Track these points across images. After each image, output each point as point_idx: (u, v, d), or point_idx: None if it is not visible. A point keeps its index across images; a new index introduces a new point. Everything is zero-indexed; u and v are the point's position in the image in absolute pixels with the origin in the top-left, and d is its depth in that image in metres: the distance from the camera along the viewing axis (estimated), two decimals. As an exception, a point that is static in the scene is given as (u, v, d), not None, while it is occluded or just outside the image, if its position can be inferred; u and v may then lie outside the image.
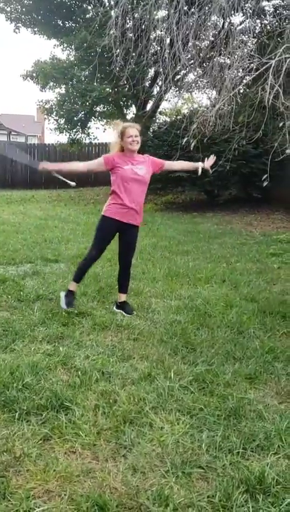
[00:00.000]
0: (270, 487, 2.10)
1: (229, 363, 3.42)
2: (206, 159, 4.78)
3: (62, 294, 4.65)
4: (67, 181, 4.71)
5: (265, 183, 5.37)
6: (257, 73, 5.94)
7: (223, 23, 9.15)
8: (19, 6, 16.28)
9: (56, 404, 2.77)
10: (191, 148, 6.60)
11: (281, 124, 5.76)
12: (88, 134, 17.79)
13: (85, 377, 3.12)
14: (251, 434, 2.51)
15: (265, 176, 5.31)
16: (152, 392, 2.94)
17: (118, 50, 8.84)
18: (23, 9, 16.32)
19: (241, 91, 7.82)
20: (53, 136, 37.02)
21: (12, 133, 29.35)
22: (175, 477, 2.18)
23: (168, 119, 15.41)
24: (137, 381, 3.11)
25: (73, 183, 4.73)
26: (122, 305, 4.63)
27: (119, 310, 4.58)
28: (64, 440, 2.47)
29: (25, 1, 15.99)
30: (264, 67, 5.42)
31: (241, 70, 7.48)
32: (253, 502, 2.02)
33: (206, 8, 7.89)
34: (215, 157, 4.84)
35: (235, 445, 2.41)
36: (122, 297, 4.68)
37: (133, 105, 16.82)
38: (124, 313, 4.52)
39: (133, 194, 4.39)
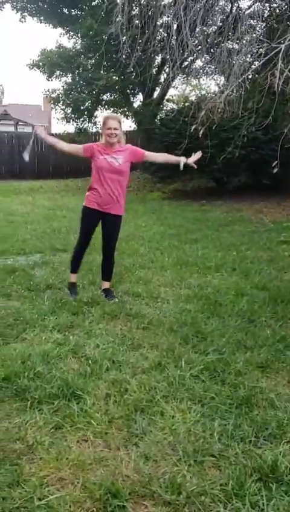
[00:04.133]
0: (283, 476, 2.08)
1: (240, 351, 3.40)
2: (193, 153, 4.56)
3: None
4: (26, 153, 4.86)
5: (275, 170, 5.30)
6: (266, 58, 5.84)
7: (231, 7, 9.01)
8: (25, -5, 16.17)
9: (67, 392, 2.78)
10: (200, 136, 6.53)
11: (291, 110, 5.68)
12: (95, 123, 17.71)
13: (95, 366, 3.13)
14: (263, 423, 2.50)
15: (275, 162, 5.24)
16: (163, 381, 2.94)
17: (125, 37, 8.72)
18: (29, -1, 16.20)
19: (250, 77, 7.69)
20: (60, 125, 36.87)
21: (20, 123, 29.22)
22: (187, 465, 2.18)
23: (175, 107, 15.26)
24: (147, 370, 3.10)
25: (26, 158, 5.12)
26: (105, 292, 4.70)
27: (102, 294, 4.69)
28: (76, 429, 2.48)
29: (31, -11, 15.88)
30: (273, 52, 5.32)
31: (249, 56, 7.37)
32: (266, 491, 2.01)
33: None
34: (201, 154, 4.58)
35: (247, 434, 2.40)
36: (106, 285, 4.76)
37: (140, 93, 16.70)
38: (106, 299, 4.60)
39: (109, 184, 4.43)
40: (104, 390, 2.84)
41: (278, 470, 2.11)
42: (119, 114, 17.80)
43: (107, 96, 17.02)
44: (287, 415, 2.55)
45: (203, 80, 14.52)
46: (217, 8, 8.28)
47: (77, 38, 16.65)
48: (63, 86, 16.49)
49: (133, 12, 10.08)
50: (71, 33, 16.66)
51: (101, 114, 17.58)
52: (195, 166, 4.62)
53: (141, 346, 3.50)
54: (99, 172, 4.44)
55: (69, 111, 16.69)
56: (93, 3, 15.84)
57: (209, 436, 2.39)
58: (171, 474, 2.11)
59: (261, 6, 9.29)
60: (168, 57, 9.21)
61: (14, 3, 16.48)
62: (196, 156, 4.57)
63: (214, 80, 14.36)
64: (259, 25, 9.91)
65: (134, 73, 14.39)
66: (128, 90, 16.69)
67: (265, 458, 2.18)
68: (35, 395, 2.76)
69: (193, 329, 3.78)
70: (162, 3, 9.48)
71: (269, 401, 2.71)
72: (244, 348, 3.47)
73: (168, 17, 9.99)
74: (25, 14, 16.72)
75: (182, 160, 4.55)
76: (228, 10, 8.88)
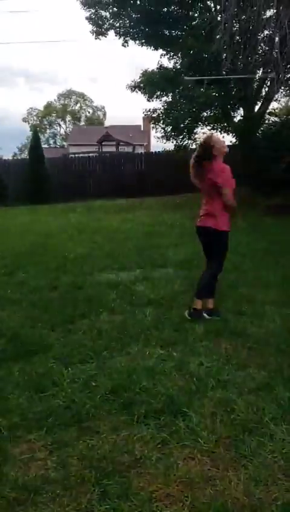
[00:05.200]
0: None
1: None
2: None
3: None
4: None
5: None
6: None
7: None
8: (128, 21, 16.84)
9: (173, 409, 2.79)
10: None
11: None
12: (195, 140, 17.81)
13: (201, 384, 3.11)
14: None
15: None
16: (271, 403, 2.84)
17: (226, 54, 8.75)
18: (131, 23, 16.85)
19: None
20: (159, 144, 37.68)
21: (121, 143, 30.36)
22: (301, 493, 2.08)
23: (278, 120, 14.88)
24: (255, 390, 3.02)
25: None
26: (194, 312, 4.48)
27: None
28: (182, 446, 2.47)
29: (133, 15, 16.50)
30: None
31: None
32: None
33: None
34: None
35: None
36: (195, 304, 4.51)
37: (241, 108, 16.55)
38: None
39: (203, 198, 4.62)
40: (210, 408, 2.81)
41: None
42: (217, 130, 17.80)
43: (207, 113, 17.06)
44: None
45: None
46: None
47: (178, 58, 16.99)
48: (163, 106, 16.86)
49: (234, 29, 10.10)
50: (172, 53, 17.03)
51: (200, 130, 17.65)
52: None
53: (247, 366, 3.41)
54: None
55: (169, 129, 16.98)
56: (194, 23, 16.10)
57: None
58: (284, 501, 2.02)
59: None
60: (270, 70, 9.07)
61: (118, 29, 17.26)
62: None
63: None
64: None
65: (235, 89, 14.34)
66: (228, 106, 16.62)
67: None
68: (141, 410, 2.80)
69: (303, 350, 3.61)
70: (264, 17, 9.40)
71: None
72: None
73: (270, 30, 9.88)
74: (128, 38, 17.43)
75: None
76: None
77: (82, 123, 61.91)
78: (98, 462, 2.35)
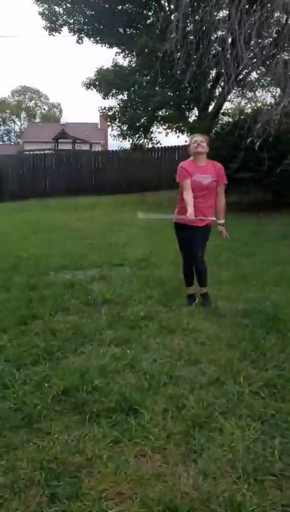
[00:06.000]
0: None
1: (301, 368, 3.29)
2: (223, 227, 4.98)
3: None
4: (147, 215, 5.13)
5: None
6: None
7: (287, 18, 8.91)
8: (82, 18, 16.68)
9: (125, 407, 2.80)
10: (256, 148, 6.47)
11: None
12: (151, 139, 17.91)
13: (153, 381, 3.13)
14: None
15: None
16: (221, 397, 2.90)
17: (179, 53, 8.82)
18: (86, 20, 16.70)
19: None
20: (116, 142, 37.67)
21: (77, 141, 30.10)
22: (247, 484, 2.14)
23: (231, 120, 15.17)
24: (205, 385, 3.07)
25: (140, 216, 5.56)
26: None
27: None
28: (134, 443, 2.49)
29: (87, 12, 16.36)
30: None
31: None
32: None
33: (269, 5, 7.72)
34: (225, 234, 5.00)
35: (310, 454, 2.32)
36: (203, 290, 4.98)
37: (195, 108, 16.75)
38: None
39: (198, 203, 4.60)
40: (161, 405, 2.83)
41: None
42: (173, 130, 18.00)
43: (162, 112, 17.18)
44: None
45: (259, 92, 14.39)
46: (272, 20, 8.21)
47: (132, 57, 16.99)
48: (119, 104, 16.84)
49: (188, 29, 10.20)
50: (126, 52, 17.02)
51: (156, 130, 17.77)
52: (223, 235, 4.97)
53: (198, 362, 3.47)
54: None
55: (125, 128, 17.00)
56: (148, 21, 16.15)
57: (270, 455, 2.33)
58: (230, 493, 2.07)
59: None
60: (223, 70, 9.21)
61: (72, 26, 17.07)
62: (223, 231, 5.04)
63: (270, 91, 14.18)
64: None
65: (189, 89, 14.48)
66: (183, 106, 16.79)
67: None
68: (93, 409, 2.80)
69: (252, 344, 3.71)
70: (217, 18, 9.52)
71: None
72: (305, 364, 3.36)
73: (222, 31, 10.02)
74: (82, 35, 17.28)
75: (219, 221, 4.95)
76: (283, 21, 8.79)
77: (37, 120, 60.96)
78: (48, 464, 2.33)
